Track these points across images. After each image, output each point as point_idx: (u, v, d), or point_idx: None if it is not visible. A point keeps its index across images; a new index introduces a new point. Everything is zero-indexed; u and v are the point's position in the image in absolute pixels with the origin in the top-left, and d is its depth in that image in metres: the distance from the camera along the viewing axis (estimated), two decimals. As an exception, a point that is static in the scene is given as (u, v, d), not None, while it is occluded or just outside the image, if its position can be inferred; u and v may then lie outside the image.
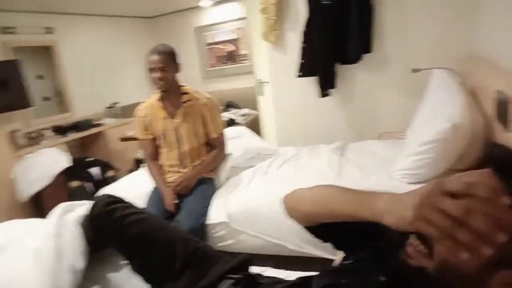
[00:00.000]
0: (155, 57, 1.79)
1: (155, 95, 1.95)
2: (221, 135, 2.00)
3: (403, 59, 2.46)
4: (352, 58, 2.50)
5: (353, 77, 2.64)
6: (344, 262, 0.83)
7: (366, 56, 2.51)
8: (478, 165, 0.55)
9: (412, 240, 0.56)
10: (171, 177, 1.94)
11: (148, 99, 1.99)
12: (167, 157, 1.96)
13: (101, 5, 3.89)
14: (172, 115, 1.91)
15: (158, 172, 1.96)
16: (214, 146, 2.01)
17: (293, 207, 0.80)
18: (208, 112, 1.92)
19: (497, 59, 1.65)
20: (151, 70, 1.81)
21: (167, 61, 1.82)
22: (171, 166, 1.96)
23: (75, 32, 4.07)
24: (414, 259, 0.55)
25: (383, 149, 2.12)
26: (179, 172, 1.94)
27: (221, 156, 2.04)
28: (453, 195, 0.44)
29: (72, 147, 3.59)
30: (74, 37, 4.05)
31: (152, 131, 1.96)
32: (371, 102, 2.65)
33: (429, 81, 2.03)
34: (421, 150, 1.53)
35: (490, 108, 1.48)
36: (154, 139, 1.98)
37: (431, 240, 0.52)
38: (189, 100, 1.91)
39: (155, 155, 2.01)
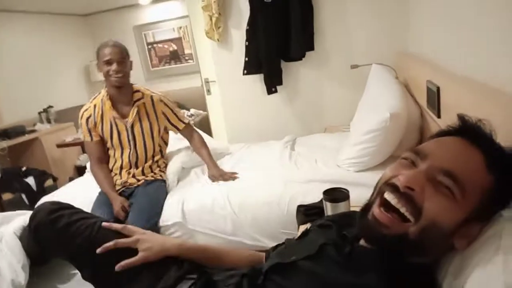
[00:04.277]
0: (113, 49, 1.72)
1: (100, 95, 1.85)
2: (188, 122, 1.98)
3: (343, 56, 2.60)
4: (296, 55, 2.58)
5: (298, 74, 2.73)
6: (292, 240, 0.87)
7: (309, 54, 2.61)
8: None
9: (389, 198, 0.61)
10: (121, 179, 1.86)
11: (92, 100, 1.87)
12: (118, 158, 1.87)
13: (27, 1, 3.58)
14: (123, 115, 1.82)
15: (106, 176, 1.85)
16: (188, 135, 1.99)
17: None
18: (166, 107, 1.89)
19: (425, 53, 1.81)
20: (107, 63, 1.72)
21: (125, 54, 1.77)
22: (122, 167, 1.87)
23: (-2, 30, 3.70)
24: (391, 229, 0.60)
25: (329, 141, 2.22)
26: (130, 172, 1.86)
27: (202, 137, 2.02)
28: None
29: (1, 157, 3.25)
30: (-2, 36, 3.68)
31: (98, 133, 1.85)
32: (316, 98, 2.76)
33: (368, 76, 2.17)
34: (364, 139, 1.62)
35: (422, 98, 1.63)
36: (101, 141, 1.87)
37: (418, 201, 0.58)
38: (141, 98, 1.85)
39: (101, 158, 1.89)
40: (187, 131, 1.98)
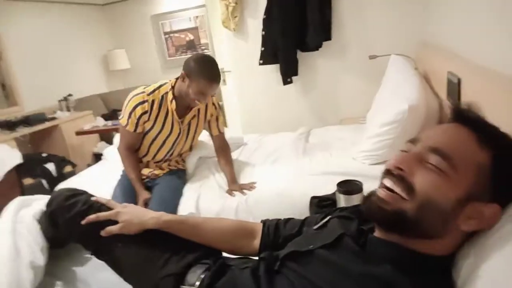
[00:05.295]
0: (214, 86, 1.67)
1: (163, 90, 1.73)
2: (223, 133, 1.97)
3: (361, 46, 2.55)
4: (313, 45, 2.55)
5: (315, 64, 2.69)
6: (310, 230, 0.87)
7: (326, 44, 2.56)
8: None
9: (386, 183, 0.64)
10: (148, 169, 1.86)
11: (152, 92, 1.70)
12: (153, 152, 1.84)
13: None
14: (179, 118, 1.79)
15: (135, 166, 1.80)
16: (216, 143, 1.94)
17: None
18: (214, 111, 1.88)
19: (446, 44, 1.75)
20: (202, 94, 1.65)
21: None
22: (154, 161, 1.87)
23: (19, 19, 3.78)
24: (391, 204, 0.62)
25: (345, 133, 2.19)
26: (158, 165, 1.88)
27: (229, 153, 1.98)
28: None
29: (23, 143, 3.36)
30: (19, 25, 3.77)
31: (144, 129, 1.76)
32: (332, 89, 2.72)
33: (386, 67, 2.12)
34: (381, 131, 1.59)
35: (441, 90, 1.58)
36: (141, 134, 1.78)
37: (409, 179, 0.61)
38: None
39: (133, 147, 1.83)
40: (218, 140, 1.94)
